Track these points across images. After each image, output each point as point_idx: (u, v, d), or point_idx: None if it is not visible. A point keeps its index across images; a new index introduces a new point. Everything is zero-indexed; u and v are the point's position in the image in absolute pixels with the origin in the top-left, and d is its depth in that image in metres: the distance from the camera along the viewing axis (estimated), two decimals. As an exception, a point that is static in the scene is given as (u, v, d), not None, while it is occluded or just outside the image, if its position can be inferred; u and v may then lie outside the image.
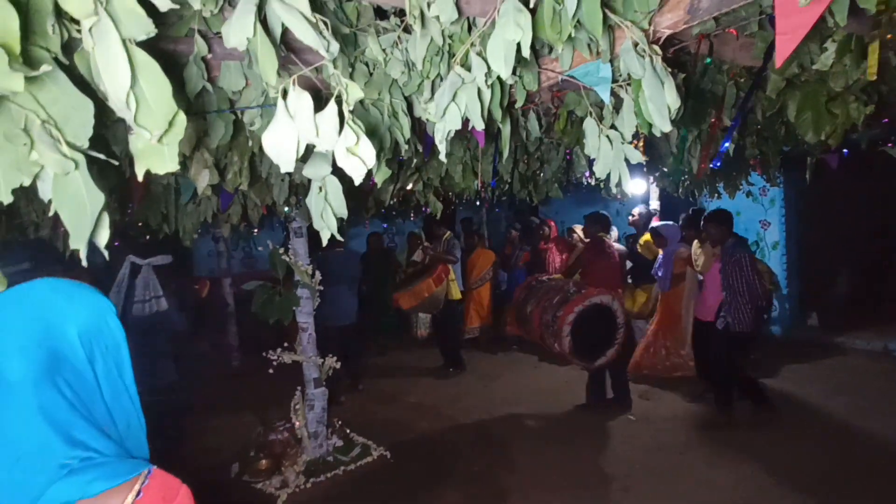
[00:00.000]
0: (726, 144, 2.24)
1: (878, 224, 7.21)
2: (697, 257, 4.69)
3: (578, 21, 1.15)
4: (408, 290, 6.06)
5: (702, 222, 4.52)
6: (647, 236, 5.69)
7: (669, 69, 1.29)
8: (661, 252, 5.28)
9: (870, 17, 1.54)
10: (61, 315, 0.87)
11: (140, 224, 3.48)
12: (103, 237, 0.92)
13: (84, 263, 0.94)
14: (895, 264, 5.99)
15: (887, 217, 6.73)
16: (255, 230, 6.86)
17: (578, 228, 6.59)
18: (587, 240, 5.38)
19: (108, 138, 1.78)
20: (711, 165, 2.63)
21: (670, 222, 5.39)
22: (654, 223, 5.47)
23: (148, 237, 3.45)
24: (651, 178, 5.62)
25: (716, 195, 5.74)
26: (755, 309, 4.07)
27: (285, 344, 4.00)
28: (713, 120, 2.46)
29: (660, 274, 5.23)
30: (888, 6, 1.48)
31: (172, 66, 1.41)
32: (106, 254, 0.88)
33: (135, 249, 3.02)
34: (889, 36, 1.60)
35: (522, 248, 7.16)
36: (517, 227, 7.55)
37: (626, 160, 1.51)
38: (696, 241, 4.78)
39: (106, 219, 0.91)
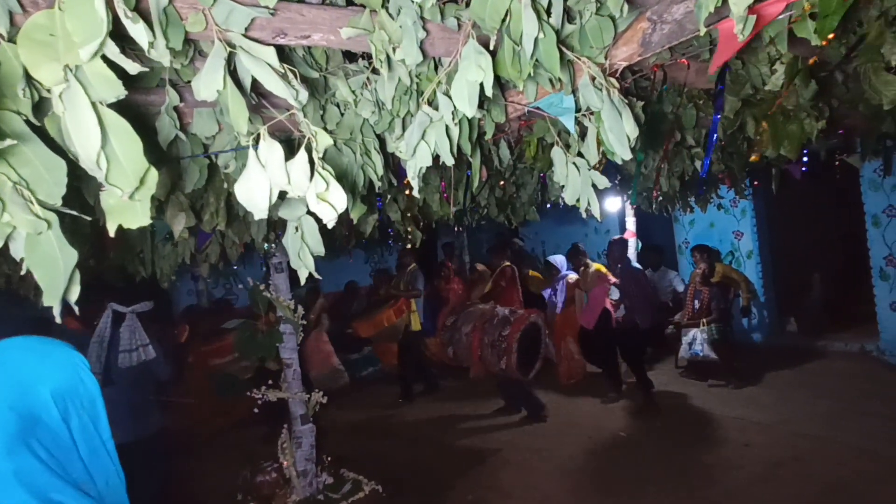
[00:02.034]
0: (707, 162, 2.37)
1: (844, 228, 7.46)
2: (584, 280, 5.56)
3: (537, 60, 1.20)
4: (367, 319, 6.23)
5: (608, 248, 5.70)
6: (532, 272, 6.64)
7: (626, 100, 1.35)
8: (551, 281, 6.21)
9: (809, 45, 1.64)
10: (34, 375, 0.87)
11: (117, 268, 3.43)
12: (74, 293, 0.92)
13: (58, 320, 0.94)
14: (864, 266, 6.19)
15: (852, 221, 6.96)
16: (236, 266, 6.74)
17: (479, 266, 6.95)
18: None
19: (82, 188, 1.78)
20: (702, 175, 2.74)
21: (559, 255, 6.31)
22: (551, 258, 6.35)
23: (123, 283, 3.40)
24: (625, 196, 5.75)
25: (689, 209, 5.89)
26: (653, 308, 5.33)
27: (269, 381, 3.94)
28: (669, 138, 2.56)
29: (555, 299, 6.08)
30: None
31: (145, 117, 1.43)
32: (77, 309, 0.88)
33: (112, 295, 2.95)
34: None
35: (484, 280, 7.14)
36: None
37: (594, 185, 1.57)
38: (582, 268, 5.65)
39: (77, 275, 0.92)
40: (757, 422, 4.44)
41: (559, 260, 6.17)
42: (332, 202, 1.00)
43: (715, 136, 2.24)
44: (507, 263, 5.72)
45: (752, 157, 3.55)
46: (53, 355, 0.91)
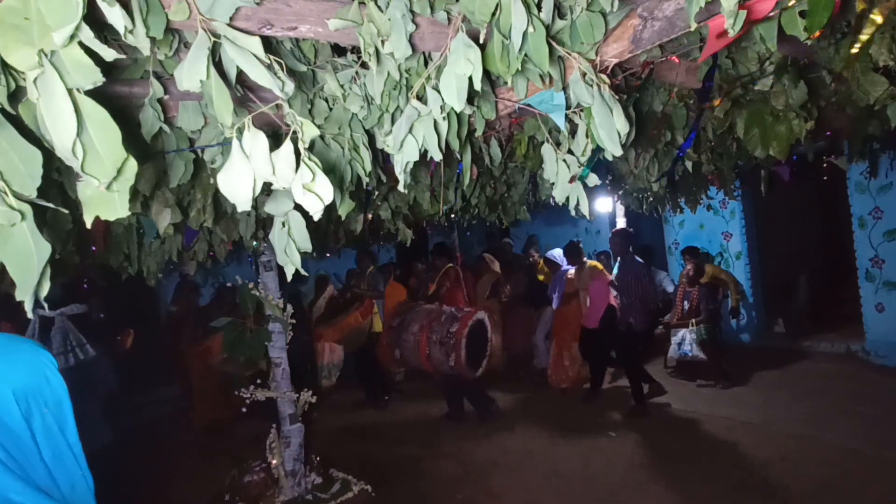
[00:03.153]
0: (687, 144, 2.37)
1: (832, 229, 7.54)
2: (579, 277, 5.56)
3: (527, 55, 1.19)
4: (332, 323, 6.13)
5: (611, 239, 5.52)
6: (542, 264, 6.54)
7: (617, 96, 1.35)
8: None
9: (801, 43, 1.64)
10: None
11: (102, 266, 3.37)
12: (44, 288, 0.90)
13: (30, 315, 0.91)
14: (850, 268, 6.26)
15: (839, 223, 7.05)
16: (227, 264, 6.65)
17: (487, 257, 7.02)
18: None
19: (65, 182, 1.74)
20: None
21: (557, 250, 6.08)
22: (549, 253, 6.23)
23: (106, 281, 3.33)
24: (616, 197, 5.77)
25: (678, 210, 5.93)
26: (647, 308, 5.07)
27: (258, 381, 3.90)
28: (655, 132, 2.55)
29: (554, 294, 5.87)
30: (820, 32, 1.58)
31: (128, 109, 1.40)
32: (46, 306, 0.86)
33: (97, 293, 2.86)
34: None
35: (428, 281, 7.12)
36: (423, 260, 7.46)
37: (584, 183, 1.56)
38: (577, 266, 5.62)
39: (48, 271, 0.89)
40: (744, 422, 4.47)
41: (557, 255, 6.03)
42: (318, 193, 0.98)
43: (696, 132, 2.25)
44: (451, 265, 5.73)
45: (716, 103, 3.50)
46: (17, 353, 0.87)
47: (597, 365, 5.46)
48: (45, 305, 0.90)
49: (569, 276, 5.75)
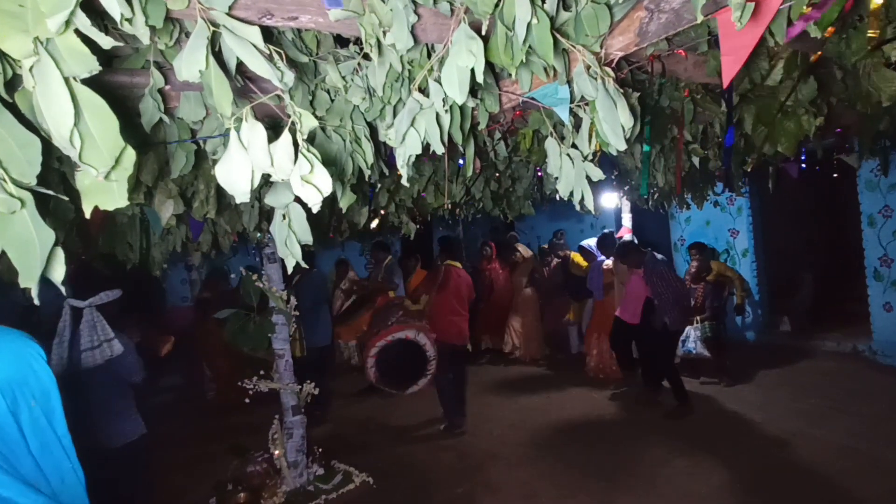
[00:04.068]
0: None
1: (839, 227, 7.47)
2: (616, 268, 5.48)
3: (531, 46, 1.18)
4: (348, 324, 6.27)
5: (616, 255, 5.36)
6: (575, 255, 6.42)
7: (622, 90, 1.33)
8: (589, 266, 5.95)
9: (811, 37, 1.61)
10: None
11: (106, 256, 3.39)
12: (59, 273, 0.90)
13: (36, 302, 0.91)
14: (858, 266, 6.20)
15: (848, 221, 6.98)
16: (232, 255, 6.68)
17: (521, 247, 7.22)
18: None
19: (66, 171, 1.75)
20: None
21: (592, 239, 6.00)
22: (584, 243, 6.13)
23: (110, 271, 3.34)
24: (621, 192, 5.73)
25: (685, 206, 5.88)
26: (681, 309, 4.79)
27: (261, 372, 3.92)
28: (679, 136, 2.53)
29: (595, 285, 5.81)
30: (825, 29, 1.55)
31: (129, 99, 1.40)
32: (64, 290, 0.86)
33: (101, 284, 2.81)
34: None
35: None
36: (417, 256, 7.48)
37: (588, 178, 1.55)
38: (611, 257, 5.55)
39: (61, 255, 0.89)
40: (747, 419, 4.46)
41: (593, 245, 5.92)
42: (316, 185, 0.97)
43: (731, 145, 2.21)
44: (450, 262, 5.60)
45: (748, 166, 3.54)
46: (2, 344, 0.87)
47: (625, 360, 5.32)
48: (64, 291, 0.90)
49: (605, 267, 5.70)
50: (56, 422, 0.87)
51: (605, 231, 6.04)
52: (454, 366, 4.81)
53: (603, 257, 5.76)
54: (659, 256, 4.95)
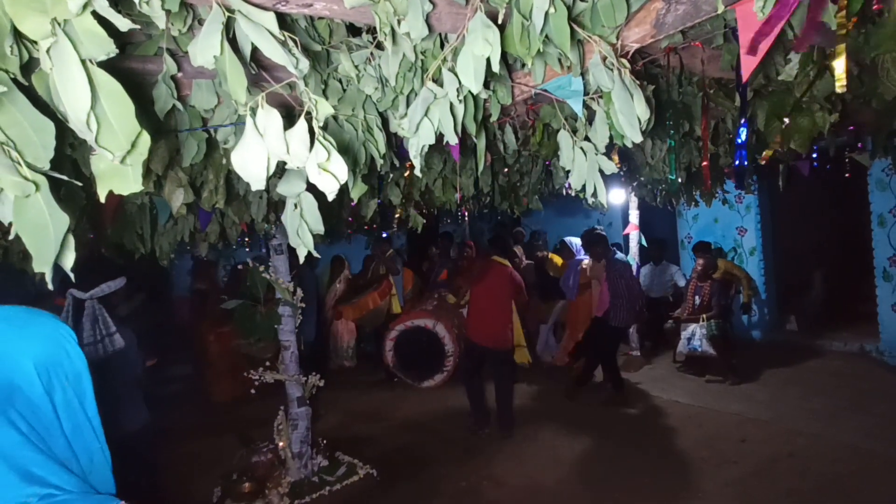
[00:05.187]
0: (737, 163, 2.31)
1: (849, 227, 7.40)
2: (592, 268, 5.57)
3: (547, 36, 1.16)
4: (352, 302, 6.27)
5: (583, 241, 5.51)
6: (552, 255, 6.47)
7: (638, 81, 1.31)
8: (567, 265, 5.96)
9: (830, 30, 1.59)
10: (14, 346, 0.83)
11: (115, 245, 3.40)
12: (69, 259, 0.90)
13: (50, 286, 0.91)
14: (867, 266, 6.15)
15: (857, 220, 6.91)
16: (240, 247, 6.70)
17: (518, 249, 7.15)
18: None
19: (78, 158, 1.75)
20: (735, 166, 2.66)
21: (575, 237, 5.94)
22: (567, 239, 6.09)
23: (121, 259, 3.36)
24: (630, 188, 5.70)
25: (693, 203, 5.84)
26: (631, 310, 5.04)
27: (267, 363, 3.93)
28: (702, 126, 2.49)
29: (569, 284, 5.77)
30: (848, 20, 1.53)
31: (142, 86, 1.40)
32: (72, 276, 0.86)
33: (76, 280, 2.76)
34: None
35: (441, 266, 7.11)
36: (437, 245, 7.49)
37: (601, 171, 1.53)
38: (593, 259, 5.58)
39: (71, 241, 0.89)
40: (753, 418, 4.44)
41: (576, 242, 5.89)
42: (333, 172, 0.97)
43: (744, 141, 2.18)
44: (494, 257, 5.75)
45: (762, 159, 3.49)
46: (37, 326, 0.88)
47: (589, 357, 5.39)
48: (72, 277, 0.90)
49: (583, 266, 5.68)
50: (87, 403, 0.88)
51: (593, 228, 5.88)
52: (497, 372, 4.57)
53: (581, 257, 5.76)
54: (619, 255, 5.29)
